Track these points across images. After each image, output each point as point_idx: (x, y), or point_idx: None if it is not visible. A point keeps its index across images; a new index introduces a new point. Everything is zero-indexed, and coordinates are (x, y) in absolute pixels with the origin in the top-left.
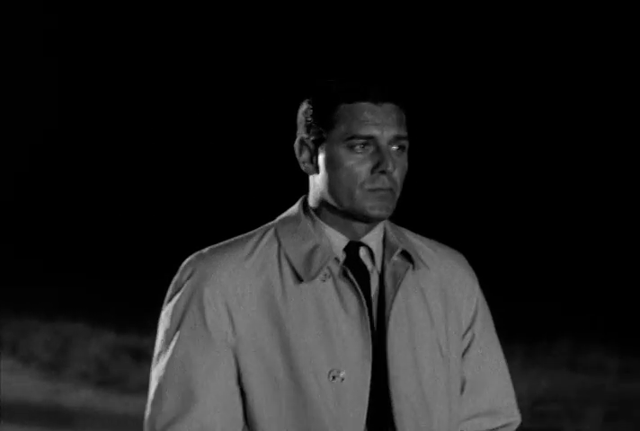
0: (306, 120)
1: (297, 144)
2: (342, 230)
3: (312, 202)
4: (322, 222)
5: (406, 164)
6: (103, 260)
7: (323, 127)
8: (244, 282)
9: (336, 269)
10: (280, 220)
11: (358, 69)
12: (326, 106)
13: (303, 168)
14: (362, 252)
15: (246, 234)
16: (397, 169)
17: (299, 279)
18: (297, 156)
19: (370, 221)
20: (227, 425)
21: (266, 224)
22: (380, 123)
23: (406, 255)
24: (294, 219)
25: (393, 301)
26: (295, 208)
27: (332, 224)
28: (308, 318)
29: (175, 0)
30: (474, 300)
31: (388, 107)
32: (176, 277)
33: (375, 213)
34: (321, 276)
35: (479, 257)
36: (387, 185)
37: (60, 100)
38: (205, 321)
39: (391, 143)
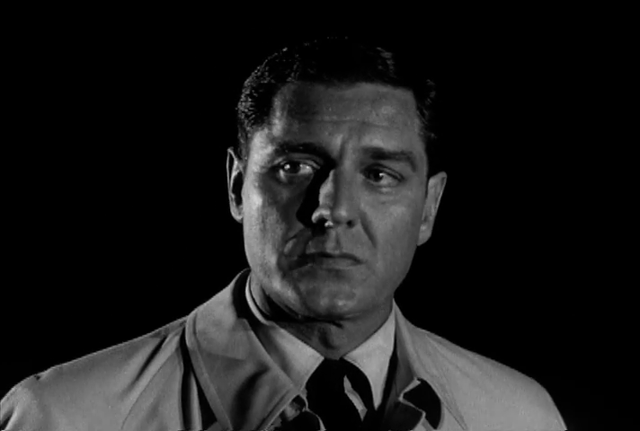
0: (239, 118)
1: (228, 161)
2: (305, 337)
3: (254, 282)
4: (271, 322)
5: (401, 211)
6: None
7: (250, 131)
8: None
9: (294, 416)
10: (194, 318)
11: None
12: (259, 88)
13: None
14: (348, 383)
15: (128, 344)
16: (373, 216)
17: None
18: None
19: (331, 319)
20: None
21: (170, 325)
22: (339, 121)
23: (428, 392)
24: (219, 317)
25: None
26: (225, 294)
27: (287, 326)
28: None
29: None
30: None
31: (369, 89)
32: None
33: (320, 305)
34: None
35: None
36: (340, 248)
37: None
38: None
39: (361, 163)
